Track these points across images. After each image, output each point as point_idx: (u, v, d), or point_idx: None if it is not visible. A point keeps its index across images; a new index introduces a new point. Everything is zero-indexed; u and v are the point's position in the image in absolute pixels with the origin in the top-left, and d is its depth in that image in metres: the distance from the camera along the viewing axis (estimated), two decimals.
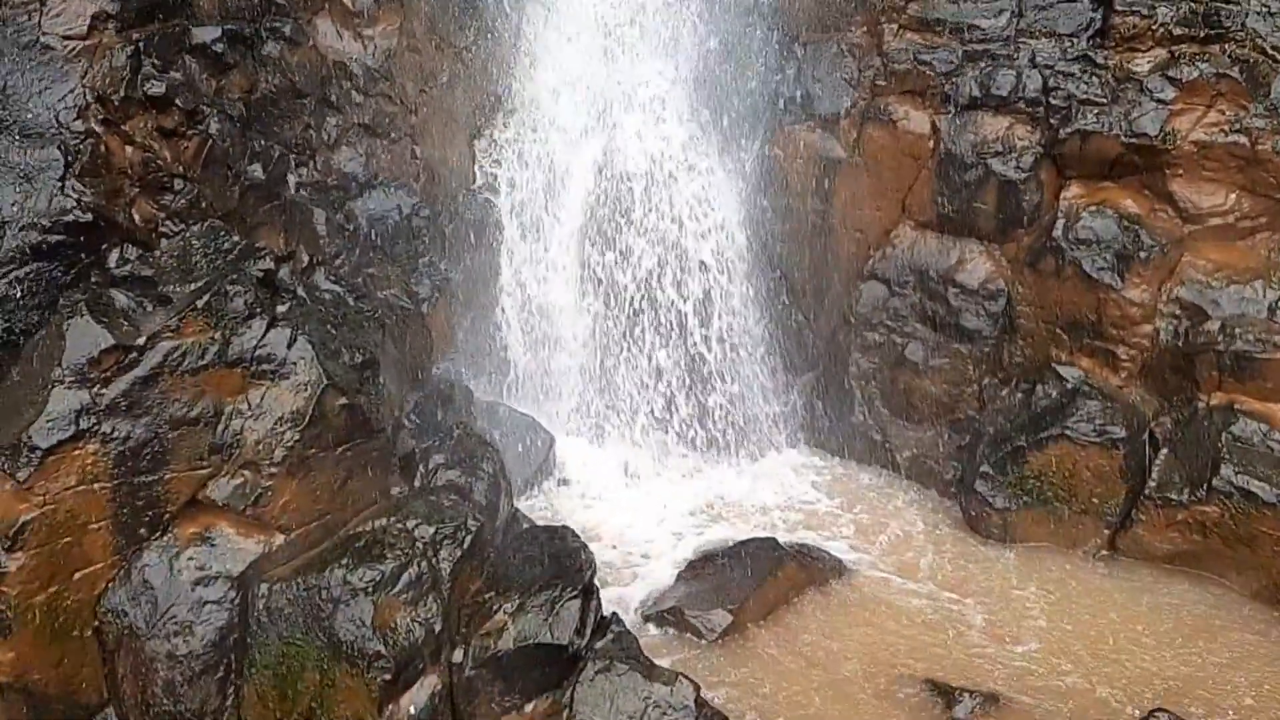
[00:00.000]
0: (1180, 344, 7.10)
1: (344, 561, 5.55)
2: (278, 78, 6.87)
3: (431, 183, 7.58)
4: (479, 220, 7.74)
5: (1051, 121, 7.48)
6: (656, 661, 5.71)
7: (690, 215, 8.18)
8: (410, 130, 7.54)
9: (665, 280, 8.19)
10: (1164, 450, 7.02)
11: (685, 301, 8.26)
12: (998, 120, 7.66)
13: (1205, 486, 6.74)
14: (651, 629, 6.51)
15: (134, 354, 5.34)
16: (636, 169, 8.06)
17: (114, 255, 5.77)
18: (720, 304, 8.35)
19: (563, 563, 6.00)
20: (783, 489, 8.06)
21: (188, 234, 5.93)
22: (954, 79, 7.76)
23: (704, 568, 6.98)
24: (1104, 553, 7.12)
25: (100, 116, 5.89)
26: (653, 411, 8.34)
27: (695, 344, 8.31)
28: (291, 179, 6.75)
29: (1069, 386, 7.36)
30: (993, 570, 7.04)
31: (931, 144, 7.88)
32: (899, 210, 8.15)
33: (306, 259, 6.36)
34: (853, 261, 8.32)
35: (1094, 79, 7.40)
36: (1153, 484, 6.95)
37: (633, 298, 8.17)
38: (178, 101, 6.14)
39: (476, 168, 7.89)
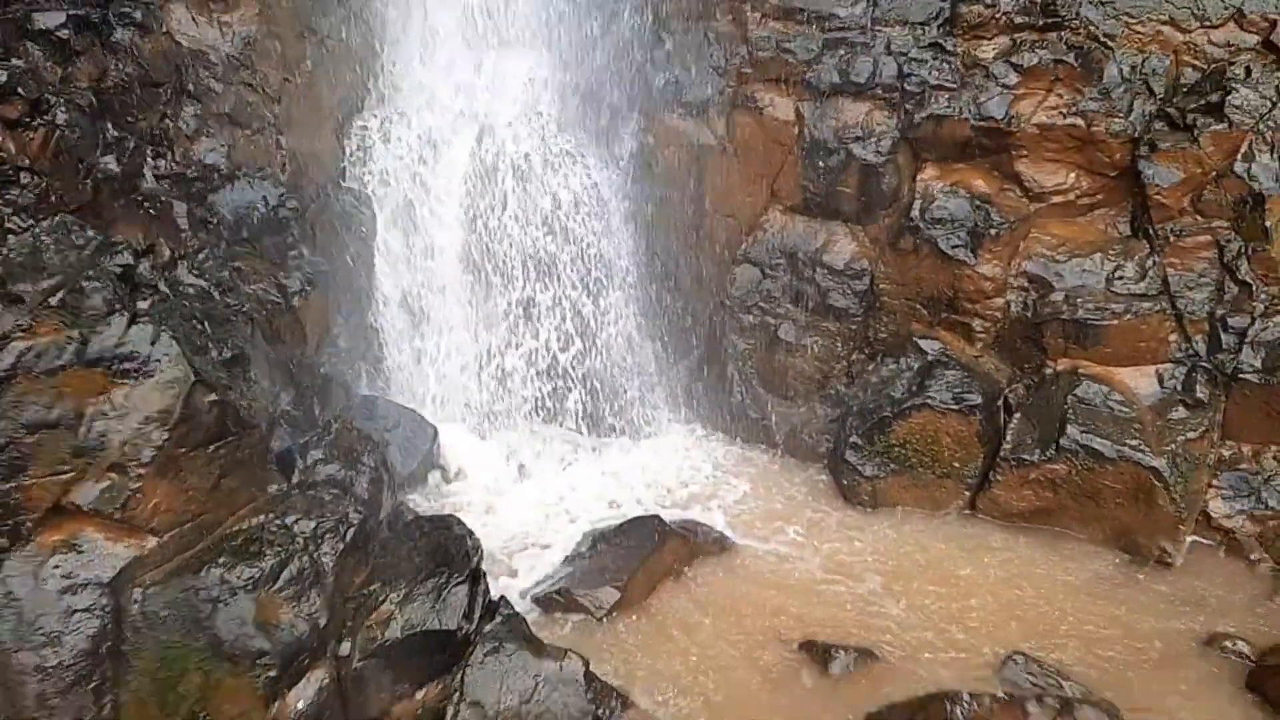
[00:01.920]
0: (1029, 315, 7.58)
1: (221, 561, 5.44)
2: (130, 65, 6.61)
3: (298, 174, 7.41)
4: (349, 212, 7.61)
5: (907, 107, 7.85)
6: (548, 641, 5.80)
7: (567, 203, 8.25)
8: (274, 120, 7.35)
9: (544, 268, 8.25)
10: (1017, 414, 7.50)
11: (566, 289, 8.34)
12: (857, 106, 7.99)
13: (1054, 446, 7.23)
14: (542, 611, 6.59)
15: None
16: (511, 158, 8.08)
17: None
18: (601, 291, 8.46)
19: (449, 550, 6.02)
20: (666, 469, 8.24)
21: (37, 229, 5.65)
22: (815, 66, 8.05)
23: (591, 548, 7.09)
24: (966, 512, 7.56)
25: None
26: (536, 399, 8.40)
27: (577, 331, 8.40)
28: (149, 171, 6.51)
29: (929, 358, 7.77)
30: (864, 536, 7.38)
31: (796, 130, 8.16)
32: (768, 195, 8.41)
33: (168, 253, 6.16)
34: (726, 246, 8.54)
35: (945, 65, 7.80)
36: (1007, 446, 7.42)
37: (511, 288, 8.19)
38: (20, 90, 5.85)
39: (345, 158, 7.77)
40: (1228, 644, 6.26)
